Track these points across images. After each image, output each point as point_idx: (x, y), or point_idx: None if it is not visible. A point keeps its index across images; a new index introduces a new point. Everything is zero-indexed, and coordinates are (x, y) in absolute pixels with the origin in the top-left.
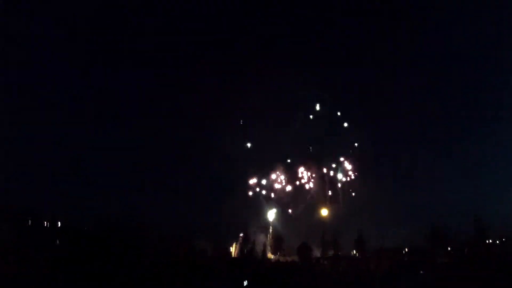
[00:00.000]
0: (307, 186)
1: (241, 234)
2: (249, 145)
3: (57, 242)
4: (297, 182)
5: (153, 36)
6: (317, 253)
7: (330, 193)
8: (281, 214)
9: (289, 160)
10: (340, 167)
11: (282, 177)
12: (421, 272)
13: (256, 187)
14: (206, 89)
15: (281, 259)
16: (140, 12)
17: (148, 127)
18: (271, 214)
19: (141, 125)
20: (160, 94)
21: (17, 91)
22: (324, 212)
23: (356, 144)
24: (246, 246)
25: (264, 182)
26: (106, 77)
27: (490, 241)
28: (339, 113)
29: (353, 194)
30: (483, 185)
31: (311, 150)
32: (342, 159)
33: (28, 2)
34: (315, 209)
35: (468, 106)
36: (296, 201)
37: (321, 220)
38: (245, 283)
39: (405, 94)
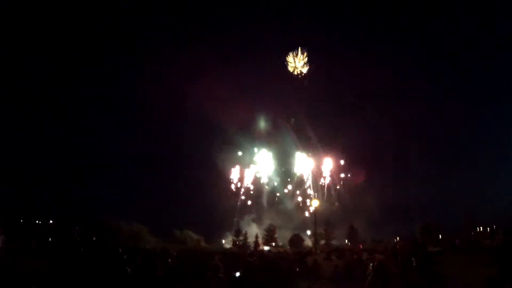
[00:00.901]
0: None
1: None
2: None
3: None
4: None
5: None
6: (309, 243)
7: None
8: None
9: None
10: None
11: None
12: (413, 259)
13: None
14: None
15: (273, 250)
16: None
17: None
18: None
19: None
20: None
21: None
22: (315, 203)
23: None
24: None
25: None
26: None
27: (481, 228)
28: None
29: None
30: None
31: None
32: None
33: None
34: (306, 202)
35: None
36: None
37: (313, 211)
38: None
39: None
